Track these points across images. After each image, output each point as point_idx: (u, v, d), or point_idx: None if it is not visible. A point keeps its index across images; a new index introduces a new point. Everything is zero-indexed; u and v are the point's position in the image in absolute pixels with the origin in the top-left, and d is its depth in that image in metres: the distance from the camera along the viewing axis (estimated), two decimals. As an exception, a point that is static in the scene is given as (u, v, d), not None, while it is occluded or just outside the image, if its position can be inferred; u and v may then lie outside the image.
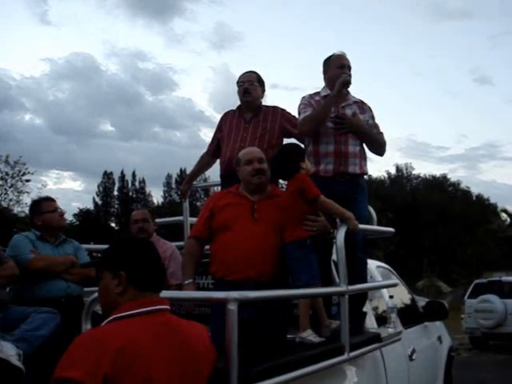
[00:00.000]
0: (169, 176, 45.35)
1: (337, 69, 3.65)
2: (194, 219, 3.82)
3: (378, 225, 4.12)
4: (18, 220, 26.28)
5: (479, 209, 40.92)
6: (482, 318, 12.21)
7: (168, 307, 1.87)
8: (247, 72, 4.10)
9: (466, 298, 13.30)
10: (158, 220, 4.63)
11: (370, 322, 3.51)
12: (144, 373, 1.63)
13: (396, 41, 73.70)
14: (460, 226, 36.91)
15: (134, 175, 44.71)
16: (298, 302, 3.05)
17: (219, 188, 4.22)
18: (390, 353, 3.45)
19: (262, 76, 4.11)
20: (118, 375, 1.57)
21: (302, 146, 3.66)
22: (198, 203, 34.17)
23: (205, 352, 1.88)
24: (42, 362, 2.66)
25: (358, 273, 3.33)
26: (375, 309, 3.80)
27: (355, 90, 3.78)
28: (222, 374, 1.95)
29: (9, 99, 53.38)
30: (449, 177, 45.65)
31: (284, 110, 4.05)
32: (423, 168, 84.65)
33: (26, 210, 26.83)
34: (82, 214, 40.36)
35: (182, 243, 4.30)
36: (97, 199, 43.80)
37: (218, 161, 4.16)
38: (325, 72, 3.79)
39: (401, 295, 4.58)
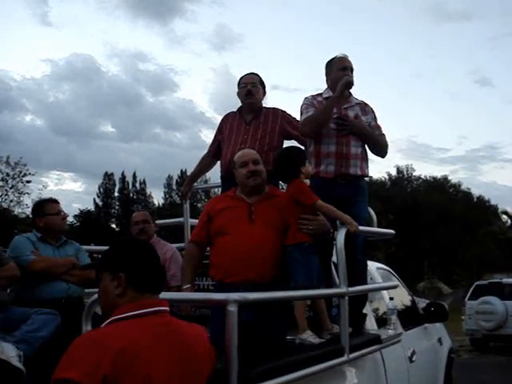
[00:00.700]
0: (169, 177, 45.32)
1: (339, 71, 3.65)
2: (195, 221, 3.83)
3: (379, 226, 4.12)
4: (19, 221, 26.29)
5: (480, 210, 40.88)
6: (482, 320, 12.21)
7: (168, 309, 1.88)
8: (249, 74, 4.11)
9: (466, 299, 13.28)
10: (158, 221, 4.63)
11: (370, 324, 3.51)
12: (144, 374, 1.63)
13: (396, 42, 73.63)
14: (461, 228, 36.89)
15: (134, 176, 44.69)
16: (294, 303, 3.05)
17: (220, 189, 4.23)
18: (390, 354, 3.45)
19: (262, 78, 4.13)
20: (117, 376, 1.57)
21: (303, 148, 3.67)
22: (199, 204, 34.19)
23: (204, 353, 1.89)
24: (43, 363, 2.66)
25: (358, 275, 3.34)
26: (375, 310, 3.80)
27: (356, 91, 3.80)
28: (222, 376, 1.95)
29: (9, 100, 53.38)
30: (449, 178, 45.67)
31: (284, 111, 4.05)
32: (424, 169, 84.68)
33: (27, 211, 26.98)
34: (83, 215, 40.33)
35: (182, 245, 4.31)
36: (97, 200, 43.75)
37: (219, 162, 4.17)
38: (327, 74, 3.79)
39: (401, 297, 4.57)
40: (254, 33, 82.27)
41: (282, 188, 3.82)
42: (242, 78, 4.09)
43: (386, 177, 43.39)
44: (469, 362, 10.84)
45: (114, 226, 43.05)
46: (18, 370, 2.76)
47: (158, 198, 46.64)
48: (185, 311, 3.41)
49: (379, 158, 3.86)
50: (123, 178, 44.44)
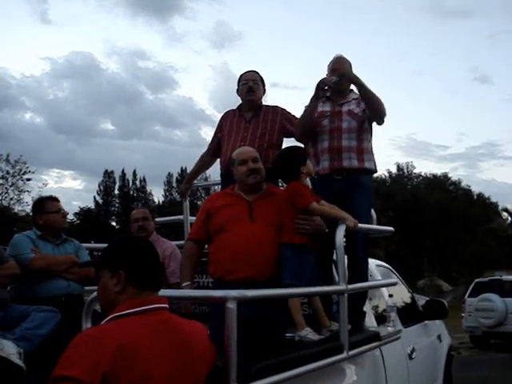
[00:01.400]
0: (169, 175, 45.35)
1: (330, 73, 3.66)
2: (195, 218, 3.83)
3: (379, 224, 4.12)
4: (19, 219, 26.27)
5: (480, 208, 40.91)
6: (482, 317, 12.21)
7: (167, 306, 1.88)
8: (250, 71, 4.11)
9: (466, 296, 13.29)
10: (158, 219, 4.63)
11: (370, 321, 3.51)
12: (143, 371, 1.63)
13: (396, 39, 73.73)
14: (461, 225, 36.91)
15: (134, 174, 44.70)
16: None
17: (219, 187, 4.23)
18: (390, 351, 3.45)
19: (262, 76, 4.13)
20: (117, 373, 1.58)
21: (303, 146, 3.68)
22: (199, 202, 34.15)
23: (204, 350, 1.89)
24: (43, 361, 2.67)
25: (358, 273, 3.35)
26: (375, 307, 3.80)
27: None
28: (222, 373, 1.96)
29: (9, 98, 53.35)
30: (449, 176, 45.67)
31: (284, 109, 4.05)
32: (424, 167, 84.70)
33: (27, 208, 26.98)
34: (83, 213, 40.32)
35: (182, 242, 4.32)
36: (97, 198, 43.78)
37: (219, 160, 4.17)
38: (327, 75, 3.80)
39: (401, 294, 4.58)
40: (254, 30, 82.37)
41: (282, 185, 3.82)
42: (242, 75, 4.09)
43: (386, 174, 43.44)
44: (468, 359, 10.85)
45: (114, 223, 43.05)
46: (18, 367, 2.76)
47: (158, 195, 46.68)
48: (185, 308, 3.41)
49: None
50: (123, 175, 44.47)
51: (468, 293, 13.36)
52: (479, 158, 71.30)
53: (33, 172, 29.79)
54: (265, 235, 3.04)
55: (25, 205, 28.80)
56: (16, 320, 3.09)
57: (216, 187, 5.46)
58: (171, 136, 67.64)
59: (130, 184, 44.86)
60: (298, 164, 3.15)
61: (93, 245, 4.93)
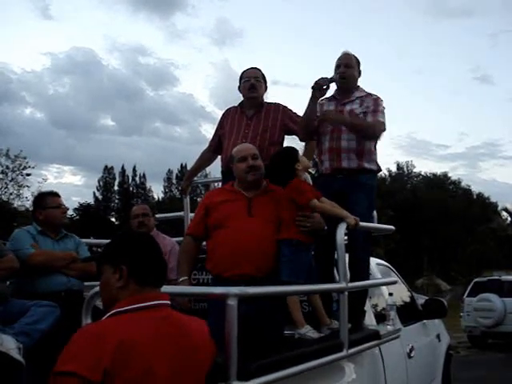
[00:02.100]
0: (169, 171, 45.40)
1: (335, 69, 3.65)
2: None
3: (379, 222, 4.12)
4: (19, 214, 26.26)
5: (480, 207, 40.94)
6: (481, 317, 12.23)
7: (168, 302, 1.88)
8: (252, 68, 4.10)
9: (465, 296, 13.30)
10: (158, 215, 4.62)
11: (369, 320, 3.51)
12: (144, 367, 1.63)
13: (397, 39, 73.70)
14: (460, 225, 36.96)
15: (134, 170, 44.74)
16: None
17: (220, 184, 4.23)
18: (389, 350, 3.45)
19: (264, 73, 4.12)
20: (118, 369, 1.58)
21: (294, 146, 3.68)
22: (199, 199, 34.15)
23: (205, 347, 1.89)
24: (42, 356, 2.67)
25: (359, 272, 3.34)
26: (374, 306, 3.80)
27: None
28: (222, 369, 1.95)
29: (9, 93, 53.45)
30: (449, 175, 45.69)
31: (286, 107, 4.05)
32: (424, 166, 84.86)
33: (27, 204, 26.96)
34: (83, 209, 40.35)
35: (182, 239, 4.31)
36: (97, 194, 43.82)
37: (219, 157, 4.17)
38: None
39: (400, 293, 4.58)
40: (255, 28, 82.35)
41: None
42: (244, 72, 4.08)
43: (387, 173, 43.45)
44: (467, 358, 10.87)
45: (113, 219, 43.08)
46: (18, 362, 2.76)
47: (157, 192, 46.74)
48: (182, 305, 3.41)
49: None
50: (123, 171, 44.50)
51: (467, 292, 13.38)
52: (479, 158, 71.52)
53: (33, 167, 29.75)
54: (263, 232, 3.03)
55: (24, 200, 28.78)
56: (15, 315, 3.08)
57: (216, 184, 5.44)
58: (171, 133, 67.78)
59: (130, 180, 44.94)
60: (291, 163, 3.13)
61: (92, 240, 4.94)
